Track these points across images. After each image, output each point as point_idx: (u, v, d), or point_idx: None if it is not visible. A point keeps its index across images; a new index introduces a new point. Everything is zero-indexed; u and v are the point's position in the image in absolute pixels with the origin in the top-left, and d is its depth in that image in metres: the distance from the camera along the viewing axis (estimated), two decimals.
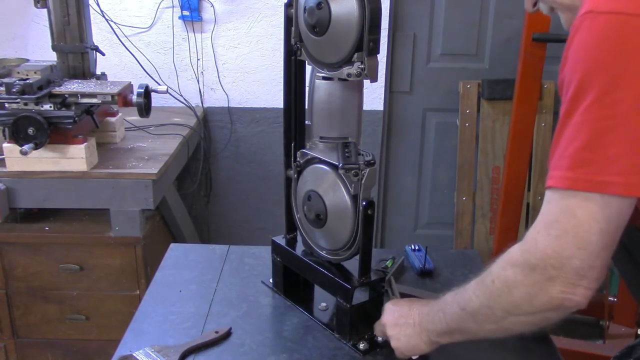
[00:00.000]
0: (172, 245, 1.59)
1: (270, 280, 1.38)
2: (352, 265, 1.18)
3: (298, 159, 1.23)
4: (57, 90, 1.85)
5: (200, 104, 2.67)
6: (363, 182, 1.09)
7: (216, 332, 1.19)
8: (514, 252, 0.84)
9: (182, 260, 1.50)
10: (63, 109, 1.85)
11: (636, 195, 0.76)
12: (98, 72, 2.14)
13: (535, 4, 0.96)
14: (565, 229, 0.78)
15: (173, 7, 2.56)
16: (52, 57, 2.11)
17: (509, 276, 0.84)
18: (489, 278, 0.88)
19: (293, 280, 1.33)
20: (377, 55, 1.07)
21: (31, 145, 1.76)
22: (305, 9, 1.10)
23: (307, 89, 1.22)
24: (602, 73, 0.74)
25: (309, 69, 1.20)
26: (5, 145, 1.86)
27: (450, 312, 0.96)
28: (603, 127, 0.75)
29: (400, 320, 1.07)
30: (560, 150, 0.79)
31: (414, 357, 1.08)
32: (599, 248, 0.77)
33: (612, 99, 0.74)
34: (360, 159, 1.12)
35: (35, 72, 1.86)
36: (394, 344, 1.08)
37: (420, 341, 1.03)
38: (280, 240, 1.34)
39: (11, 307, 2.07)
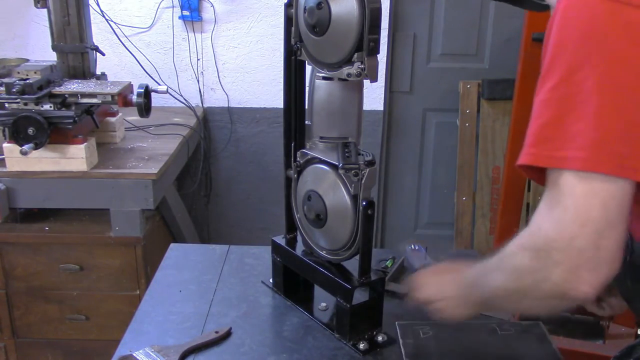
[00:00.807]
0: (172, 245, 1.59)
1: (270, 280, 1.38)
2: (352, 265, 1.18)
3: (298, 159, 1.23)
4: (57, 90, 1.85)
5: (200, 104, 2.67)
6: (363, 182, 1.09)
7: (216, 332, 1.19)
8: (523, 236, 0.82)
9: (182, 260, 1.50)
10: (63, 109, 1.85)
11: (595, 171, 0.74)
12: (98, 72, 2.14)
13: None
14: (565, 207, 0.75)
15: (173, 7, 2.56)
16: (52, 57, 2.11)
17: (518, 262, 0.82)
18: (502, 262, 0.86)
19: (293, 280, 1.33)
20: (377, 55, 1.07)
21: (31, 145, 1.76)
22: (305, 9, 1.10)
23: (307, 89, 1.22)
24: (569, 53, 0.75)
25: (309, 69, 1.20)
26: (5, 145, 1.86)
27: (479, 288, 0.94)
28: (567, 104, 0.75)
29: (446, 294, 1.03)
30: (528, 128, 0.79)
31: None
32: (603, 225, 0.74)
33: (577, 78, 0.74)
34: (360, 159, 1.12)
35: (35, 72, 1.86)
36: (443, 315, 1.05)
37: (465, 310, 1.01)
38: (280, 240, 1.34)
39: (11, 307, 2.07)
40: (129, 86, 2.01)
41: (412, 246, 1.51)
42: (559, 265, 0.76)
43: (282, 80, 1.25)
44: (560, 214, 0.76)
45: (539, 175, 0.80)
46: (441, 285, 1.06)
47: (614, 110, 0.74)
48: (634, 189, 0.76)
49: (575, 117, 0.75)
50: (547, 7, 0.97)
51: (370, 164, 1.10)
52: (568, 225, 0.75)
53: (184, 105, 2.63)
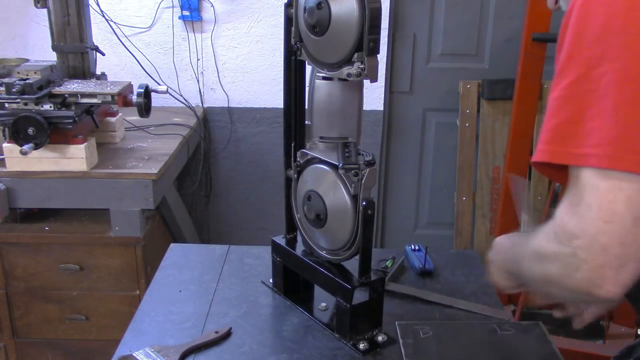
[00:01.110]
0: (172, 245, 1.59)
1: (270, 280, 1.38)
2: (352, 265, 1.18)
3: (298, 159, 1.23)
4: (57, 90, 1.85)
5: (200, 104, 2.68)
6: (363, 182, 1.09)
7: (216, 332, 1.19)
8: (549, 228, 0.80)
9: (182, 260, 1.50)
10: (63, 109, 1.85)
11: (613, 169, 0.73)
12: (98, 72, 2.14)
13: (557, 1, 0.97)
14: (589, 203, 0.73)
15: (173, 7, 2.56)
16: (52, 57, 2.11)
17: (544, 252, 0.80)
18: (533, 246, 0.84)
19: (293, 280, 1.33)
20: (377, 55, 1.07)
21: (31, 145, 1.76)
22: (305, 9, 1.10)
23: (307, 89, 1.22)
24: (587, 48, 0.75)
25: (309, 69, 1.20)
26: (5, 145, 1.86)
27: (516, 258, 0.93)
28: (584, 100, 0.74)
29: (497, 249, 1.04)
30: (544, 125, 0.78)
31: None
32: (628, 221, 0.71)
33: (595, 74, 0.74)
34: (360, 159, 1.12)
35: (35, 72, 1.86)
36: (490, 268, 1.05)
37: (501, 273, 1.01)
38: (280, 240, 1.34)
39: (11, 307, 2.07)
40: (129, 86, 2.01)
41: (413, 246, 1.52)
42: (583, 264, 0.74)
43: (282, 80, 1.25)
44: (583, 210, 0.74)
45: (556, 173, 0.79)
46: (500, 250, 1.04)
47: (633, 106, 0.73)
48: None
49: (594, 114, 0.74)
50: None
51: (370, 164, 1.10)
52: (592, 221, 0.73)
53: (184, 105, 2.63)
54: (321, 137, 1.19)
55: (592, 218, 0.73)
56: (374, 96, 2.66)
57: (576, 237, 0.74)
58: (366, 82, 1.11)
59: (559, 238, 0.77)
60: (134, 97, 1.93)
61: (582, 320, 1.09)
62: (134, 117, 2.13)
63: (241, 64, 2.65)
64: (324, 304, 1.29)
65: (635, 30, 0.73)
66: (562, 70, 0.77)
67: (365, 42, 1.04)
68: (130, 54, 2.55)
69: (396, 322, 1.23)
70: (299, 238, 1.31)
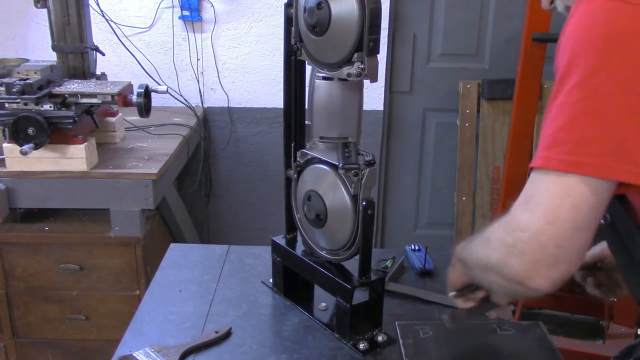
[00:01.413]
0: (172, 245, 1.59)
1: (270, 280, 1.38)
2: (352, 265, 1.18)
3: (298, 159, 1.23)
4: (57, 90, 1.85)
5: (200, 104, 2.67)
6: (363, 182, 1.09)
7: (216, 332, 1.19)
8: (502, 218, 0.85)
9: (182, 260, 1.50)
10: (63, 109, 1.85)
11: (610, 179, 0.75)
12: (98, 72, 2.14)
13: (552, 2, 0.97)
14: (539, 202, 0.78)
15: (173, 7, 2.56)
16: (52, 57, 2.11)
17: (492, 238, 0.86)
18: (485, 231, 0.90)
19: (293, 280, 1.33)
20: (377, 55, 1.07)
21: (31, 145, 1.76)
22: (305, 9, 1.10)
23: (307, 89, 1.22)
24: (587, 56, 0.75)
25: (309, 69, 1.20)
26: (5, 145, 1.86)
27: (468, 243, 0.97)
28: (582, 108, 0.75)
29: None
30: (543, 132, 0.80)
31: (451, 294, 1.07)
32: (568, 226, 0.76)
33: (594, 82, 0.74)
34: (360, 159, 1.12)
35: (35, 72, 1.86)
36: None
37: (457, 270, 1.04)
38: (280, 240, 1.34)
39: (11, 307, 2.06)
40: (129, 86, 2.01)
41: (413, 246, 1.52)
42: (521, 255, 0.79)
43: (282, 80, 1.25)
44: (533, 207, 0.78)
45: None
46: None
47: (631, 116, 0.74)
48: (612, 193, 0.77)
49: (591, 122, 0.75)
50: None
51: (370, 164, 1.10)
52: (537, 220, 0.77)
53: (184, 105, 2.63)
54: (321, 137, 1.19)
55: (538, 216, 0.77)
56: (374, 96, 2.66)
57: (520, 230, 0.79)
58: (366, 82, 1.11)
59: (507, 227, 0.82)
60: (134, 97, 1.94)
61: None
62: (134, 117, 2.13)
63: (241, 64, 2.65)
64: (324, 304, 1.29)
65: (636, 39, 0.73)
66: (562, 78, 0.77)
67: (365, 42, 1.04)
68: (130, 54, 2.55)
69: (396, 322, 1.23)
70: (299, 238, 1.31)
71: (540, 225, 0.77)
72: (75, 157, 1.89)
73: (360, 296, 1.19)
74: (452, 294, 1.07)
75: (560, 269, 0.78)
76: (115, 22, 2.53)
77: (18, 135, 1.78)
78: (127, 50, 2.55)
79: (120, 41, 2.53)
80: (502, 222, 0.84)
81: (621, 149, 0.74)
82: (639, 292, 0.94)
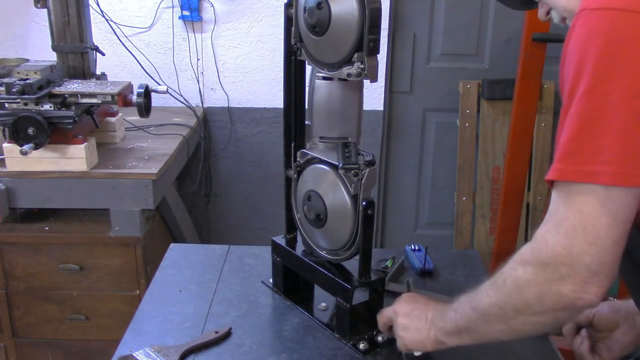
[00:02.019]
0: (172, 245, 1.59)
1: (270, 280, 1.38)
2: (352, 265, 1.18)
3: (298, 159, 1.23)
4: (57, 90, 1.85)
5: (200, 104, 2.67)
6: (363, 182, 1.09)
7: (216, 332, 1.19)
8: (525, 251, 0.84)
9: (182, 260, 1.50)
10: (63, 109, 1.85)
11: (624, 185, 0.76)
12: (98, 72, 2.14)
13: (548, 13, 0.97)
14: (574, 225, 0.78)
15: (173, 7, 2.56)
16: (52, 57, 2.11)
17: (520, 275, 0.84)
18: (500, 278, 0.88)
19: (293, 280, 1.33)
20: (377, 55, 1.07)
21: (31, 145, 1.76)
22: (305, 9, 1.10)
23: (307, 89, 1.22)
24: (593, 65, 0.75)
25: (309, 69, 1.20)
26: (5, 145, 1.86)
27: (462, 310, 0.96)
28: (592, 117, 0.75)
29: (415, 312, 1.06)
30: (556, 145, 0.80)
31: (416, 354, 1.08)
32: (608, 243, 0.77)
33: (602, 90, 0.74)
34: (360, 159, 1.12)
35: (35, 72, 1.86)
36: (400, 333, 1.07)
37: (427, 338, 1.02)
38: (280, 240, 1.34)
39: (11, 307, 2.06)
40: (129, 86, 2.01)
41: (413, 246, 1.52)
42: (567, 279, 0.79)
43: (282, 80, 1.25)
44: (568, 230, 0.78)
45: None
46: (417, 304, 1.08)
47: None
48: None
49: (601, 131, 0.75)
50: (530, 5, 0.97)
51: (370, 164, 1.10)
52: (577, 242, 0.78)
53: (184, 105, 2.63)
54: (321, 137, 1.19)
55: (576, 238, 0.78)
56: (374, 96, 2.66)
57: (560, 255, 0.79)
58: (366, 82, 1.11)
59: (540, 256, 0.81)
60: (134, 97, 1.93)
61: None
62: (134, 117, 2.13)
63: (241, 64, 2.65)
64: (324, 304, 1.29)
65: (638, 46, 0.73)
66: (571, 90, 0.78)
67: (365, 42, 1.04)
68: (130, 54, 2.55)
69: None
70: (299, 238, 1.31)
71: (581, 247, 0.77)
72: (75, 157, 1.89)
73: (360, 296, 1.19)
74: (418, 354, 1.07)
75: (605, 283, 0.79)
76: (115, 22, 2.53)
77: (18, 135, 1.78)
78: (127, 50, 2.55)
79: (120, 41, 2.53)
80: (525, 254, 0.84)
81: (633, 155, 0.75)
82: None
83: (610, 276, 0.79)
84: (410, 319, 1.06)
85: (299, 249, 1.30)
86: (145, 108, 1.96)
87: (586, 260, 0.77)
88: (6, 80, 1.83)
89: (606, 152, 0.75)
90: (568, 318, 0.85)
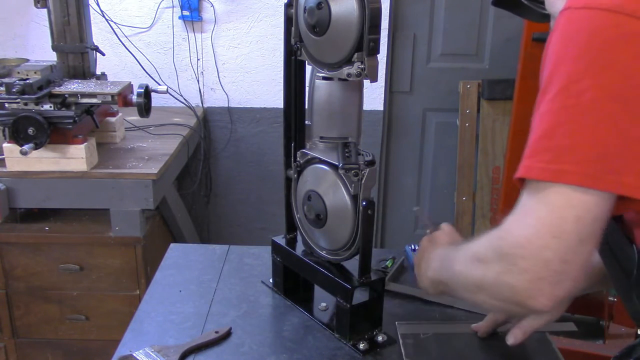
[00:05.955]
0: (172, 245, 1.59)
1: (270, 280, 1.38)
2: (352, 265, 1.18)
3: (298, 159, 1.23)
4: (57, 90, 1.85)
5: (200, 104, 2.68)
6: (363, 182, 1.09)
7: (216, 332, 1.19)
8: (492, 236, 0.81)
9: (182, 260, 1.50)
10: (63, 109, 1.85)
11: (593, 188, 0.72)
12: (98, 72, 2.14)
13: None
14: (540, 216, 0.74)
15: (173, 7, 2.56)
16: (52, 57, 2.11)
17: (483, 256, 0.82)
18: (472, 248, 0.86)
19: (293, 280, 1.33)
20: (377, 55, 1.07)
21: (31, 145, 1.76)
22: (305, 9, 1.10)
23: (307, 89, 1.22)
24: (570, 63, 0.74)
25: (309, 69, 1.20)
26: (5, 145, 1.86)
27: (447, 263, 0.96)
28: (564, 115, 0.74)
29: (430, 248, 1.09)
30: (527, 141, 0.78)
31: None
32: (574, 239, 0.72)
33: (577, 88, 0.73)
34: (360, 159, 1.12)
35: (35, 72, 1.86)
36: (416, 261, 1.12)
37: (426, 274, 1.06)
38: (280, 240, 1.34)
39: (11, 307, 2.07)
40: (129, 86, 2.01)
41: (413, 246, 1.51)
42: (523, 274, 0.74)
43: (282, 80, 1.25)
44: (533, 222, 0.75)
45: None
46: (427, 254, 1.09)
47: (612, 125, 0.72)
48: (612, 205, 0.74)
49: (572, 130, 0.73)
50: (547, 17, 0.96)
51: (370, 164, 1.10)
52: (541, 234, 0.73)
53: (184, 105, 2.63)
54: (321, 137, 1.19)
55: (541, 231, 0.73)
56: (374, 96, 2.66)
57: (521, 247, 0.75)
58: (366, 82, 1.11)
59: (502, 245, 0.78)
60: (134, 97, 1.94)
61: (515, 336, 1.09)
62: (134, 117, 2.13)
63: (241, 64, 2.65)
64: (324, 304, 1.29)
65: (619, 47, 0.72)
66: (546, 86, 0.76)
67: (365, 42, 1.04)
68: (130, 54, 2.55)
69: (396, 322, 1.23)
70: (299, 238, 1.31)
71: (544, 240, 0.73)
72: (75, 157, 1.89)
73: (360, 296, 1.19)
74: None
75: (565, 287, 0.73)
76: (115, 22, 2.53)
77: (18, 135, 1.79)
78: (127, 50, 2.55)
79: (120, 41, 2.53)
80: (493, 238, 0.80)
81: (603, 157, 0.72)
82: (634, 308, 0.92)
83: (570, 280, 0.73)
84: (420, 270, 1.10)
85: (299, 249, 1.30)
86: (145, 108, 1.96)
87: (547, 256, 0.72)
88: (6, 80, 1.83)
89: (576, 152, 0.72)
90: (522, 314, 0.81)
